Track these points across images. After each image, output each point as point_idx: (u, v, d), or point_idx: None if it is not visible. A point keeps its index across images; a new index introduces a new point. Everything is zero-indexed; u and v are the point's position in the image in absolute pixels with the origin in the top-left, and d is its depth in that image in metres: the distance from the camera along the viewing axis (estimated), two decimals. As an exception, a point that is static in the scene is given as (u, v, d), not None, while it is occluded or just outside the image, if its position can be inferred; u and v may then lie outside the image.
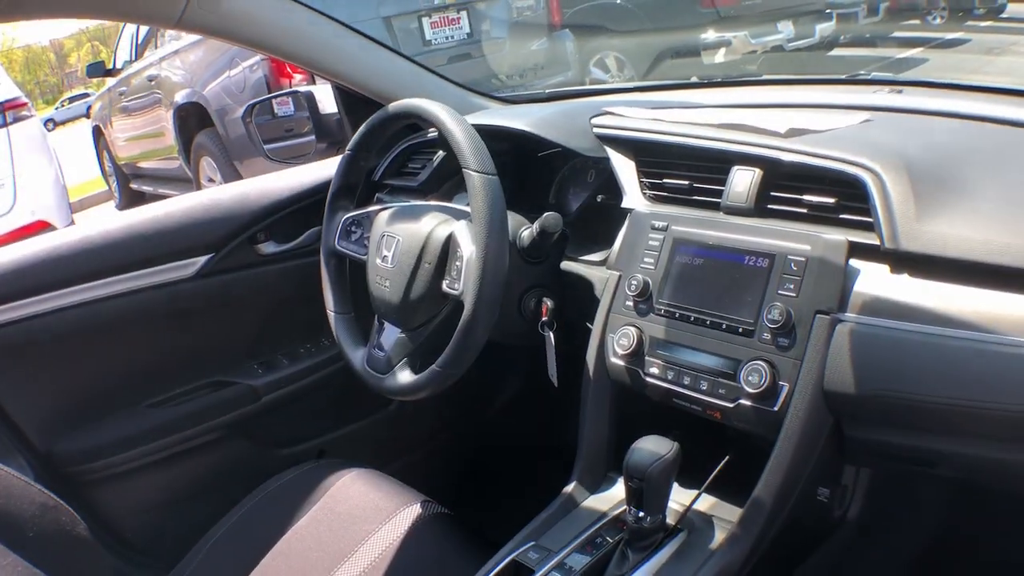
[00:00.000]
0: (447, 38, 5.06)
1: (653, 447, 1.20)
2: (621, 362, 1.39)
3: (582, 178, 1.71)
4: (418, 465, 2.22)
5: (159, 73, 6.67)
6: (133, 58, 7.67)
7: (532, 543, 1.33)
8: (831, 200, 1.25)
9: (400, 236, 1.56)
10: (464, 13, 5.12)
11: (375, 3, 4.88)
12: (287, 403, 2.08)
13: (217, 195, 2.04)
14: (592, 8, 6.35)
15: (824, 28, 8.08)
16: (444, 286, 1.49)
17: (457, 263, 1.45)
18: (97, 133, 9.54)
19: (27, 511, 1.04)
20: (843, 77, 1.93)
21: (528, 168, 1.77)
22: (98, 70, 8.26)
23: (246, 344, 2.07)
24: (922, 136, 1.41)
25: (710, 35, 6.56)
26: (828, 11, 8.77)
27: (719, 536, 1.28)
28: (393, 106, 1.61)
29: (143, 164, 7.98)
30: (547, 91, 2.26)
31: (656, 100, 1.93)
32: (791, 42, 7.17)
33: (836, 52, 8.00)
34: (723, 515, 1.32)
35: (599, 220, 1.56)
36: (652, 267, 1.38)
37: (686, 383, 1.31)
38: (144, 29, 7.37)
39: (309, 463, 1.78)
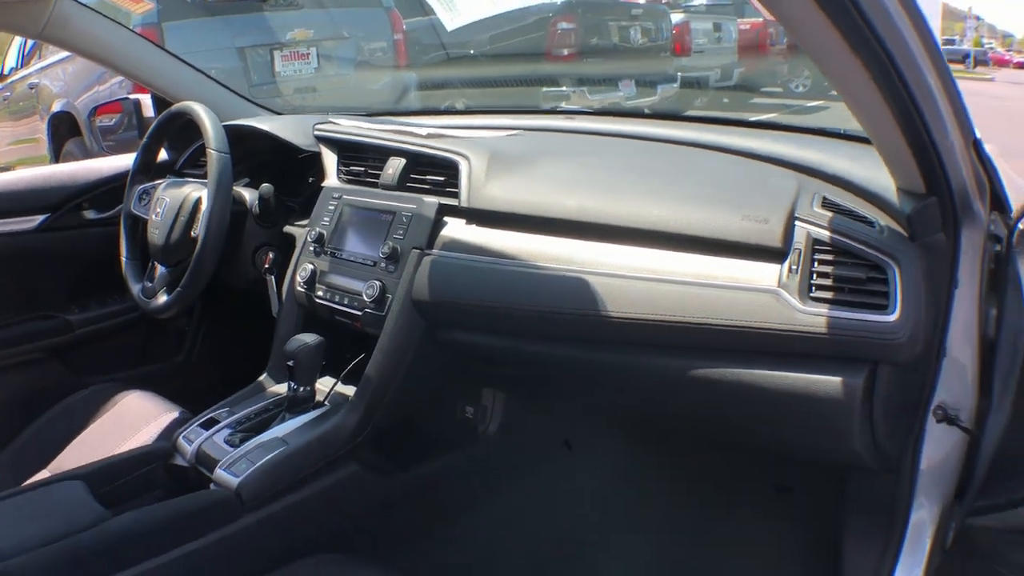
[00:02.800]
0: (296, 71, 5.62)
1: (303, 338, 1.81)
2: (302, 289, 2.00)
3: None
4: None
5: (39, 81, 7.05)
6: (19, 65, 8.01)
7: (226, 408, 1.91)
8: (442, 178, 1.90)
9: (168, 198, 2.15)
10: (314, 50, 5.68)
11: (231, 34, 5.40)
12: (96, 339, 2.63)
13: (56, 169, 2.62)
14: (443, 56, 6.83)
15: (666, 89, 8.65)
16: (192, 233, 2.08)
17: (200, 216, 2.05)
18: (-19, 138, 9.77)
19: None
20: (544, 108, 2.60)
21: (295, 166, 2.36)
22: (-14, 75, 8.51)
23: (69, 288, 2.62)
24: (528, 141, 2.08)
25: (551, 88, 7.06)
26: (675, 73, 9.33)
27: (346, 407, 1.85)
28: (174, 106, 2.22)
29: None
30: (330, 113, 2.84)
31: (409, 122, 2.56)
32: (629, 100, 7.68)
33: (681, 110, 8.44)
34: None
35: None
36: (327, 223, 2.01)
37: (337, 300, 1.92)
38: (32, 39, 7.77)
39: (101, 385, 2.31)
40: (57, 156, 6.65)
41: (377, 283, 1.82)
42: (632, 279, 1.53)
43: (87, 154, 5.94)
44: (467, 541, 2.12)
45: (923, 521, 1.58)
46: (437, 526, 2.07)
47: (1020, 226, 1.39)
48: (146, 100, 2.80)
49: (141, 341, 2.74)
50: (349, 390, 1.89)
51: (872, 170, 1.49)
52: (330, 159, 2.18)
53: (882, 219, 1.42)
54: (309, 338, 1.80)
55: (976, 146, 1.38)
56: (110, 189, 2.58)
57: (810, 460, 1.77)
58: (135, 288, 2.23)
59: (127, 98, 2.83)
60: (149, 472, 1.78)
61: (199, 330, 2.77)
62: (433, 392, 2.02)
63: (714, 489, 2.28)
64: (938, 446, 1.52)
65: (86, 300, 2.65)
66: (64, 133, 6.44)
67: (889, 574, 1.62)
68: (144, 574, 1.48)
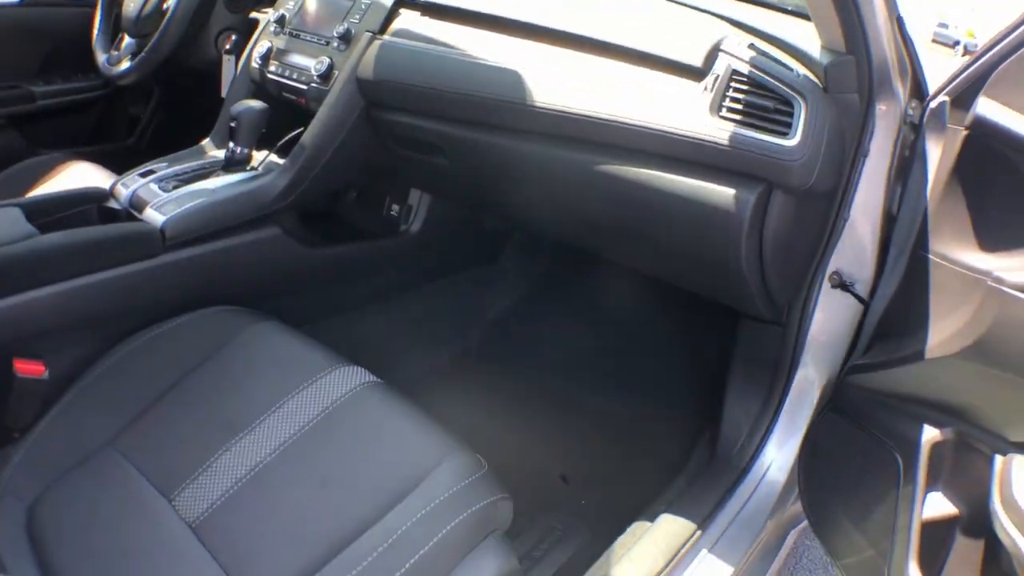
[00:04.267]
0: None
1: (248, 102, 1.89)
2: (256, 65, 2.08)
3: None
4: None
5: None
6: None
7: (166, 163, 1.97)
8: None
9: None
10: None
11: None
12: (55, 113, 2.71)
13: None
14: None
15: None
16: (164, 6, 2.15)
17: None
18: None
19: None
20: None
21: None
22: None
23: (40, 64, 2.69)
24: None
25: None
26: None
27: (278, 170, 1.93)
28: None
29: None
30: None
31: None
32: None
33: None
34: None
35: None
36: (291, 7, 2.08)
37: (287, 75, 2.00)
38: None
39: (53, 154, 2.39)
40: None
41: (327, 59, 1.91)
42: (562, 77, 1.62)
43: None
44: (373, 330, 2.21)
45: (809, 381, 1.71)
46: (346, 309, 2.16)
47: (932, 105, 1.47)
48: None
49: (97, 120, 2.82)
50: (283, 161, 1.96)
51: (804, 39, 1.57)
52: None
53: (801, 69, 1.51)
54: (254, 103, 1.88)
55: (899, 23, 1.46)
56: None
57: (707, 294, 1.85)
58: (101, 57, 2.30)
59: None
60: (84, 212, 1.84)
61: (153, 117, 2.85)
62: (361, 171, 2.09)
63: (623, 325, 2.39)
64: (831, 311, 1.63)
65: (52, 76, 2.71)
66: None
67: (767, 429, 1.74)
68: (64, 292, 1.57)
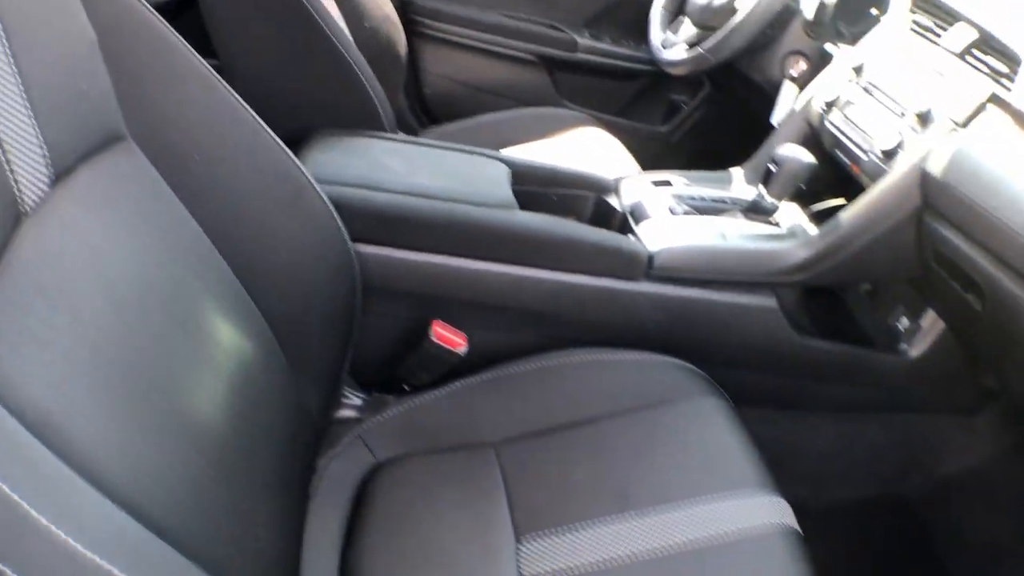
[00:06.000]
0: None
1: (798, 150, 1.64)
2: (819, 109, 1.79)
3: None
4: None
5: None
6: None
7: (685, 179, 1.82)
8: None
9: None
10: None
11: None
12: (594, 71, 2.65)
13: None
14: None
15: None
16: (736, 3, 1.99)
17: None
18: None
19: None
20: None
21: None
22: None
23: (591, 15, 2.66)
24: None
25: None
26: None
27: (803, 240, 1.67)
28: None
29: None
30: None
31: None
32: None
33: None
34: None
35: None
36: (875, 56, 1.77)
37: (847, 134, 1.70)
38: None
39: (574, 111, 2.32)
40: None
41: (897, 135, 1.58)
42: None
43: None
44: (807, 441, 1.90)
45: None
46: (793, 407, 1.85)
47: None
48: None
49: (633, 94, 2.72)
50: (810, 229, 1.70)
51: None
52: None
53: None
54: (802, 153, 1.64)
55: None
56: None
57: None
58: (656, 35, 2.17)
59: None
60: (578, 198, 1.76)
61: (695, 111, 2.64)
62: (887, 274, 1.75)
63: None
64: None
65: (601, 31, 2.64)
66: None
67: None
68: (517, 278, 1.49)
